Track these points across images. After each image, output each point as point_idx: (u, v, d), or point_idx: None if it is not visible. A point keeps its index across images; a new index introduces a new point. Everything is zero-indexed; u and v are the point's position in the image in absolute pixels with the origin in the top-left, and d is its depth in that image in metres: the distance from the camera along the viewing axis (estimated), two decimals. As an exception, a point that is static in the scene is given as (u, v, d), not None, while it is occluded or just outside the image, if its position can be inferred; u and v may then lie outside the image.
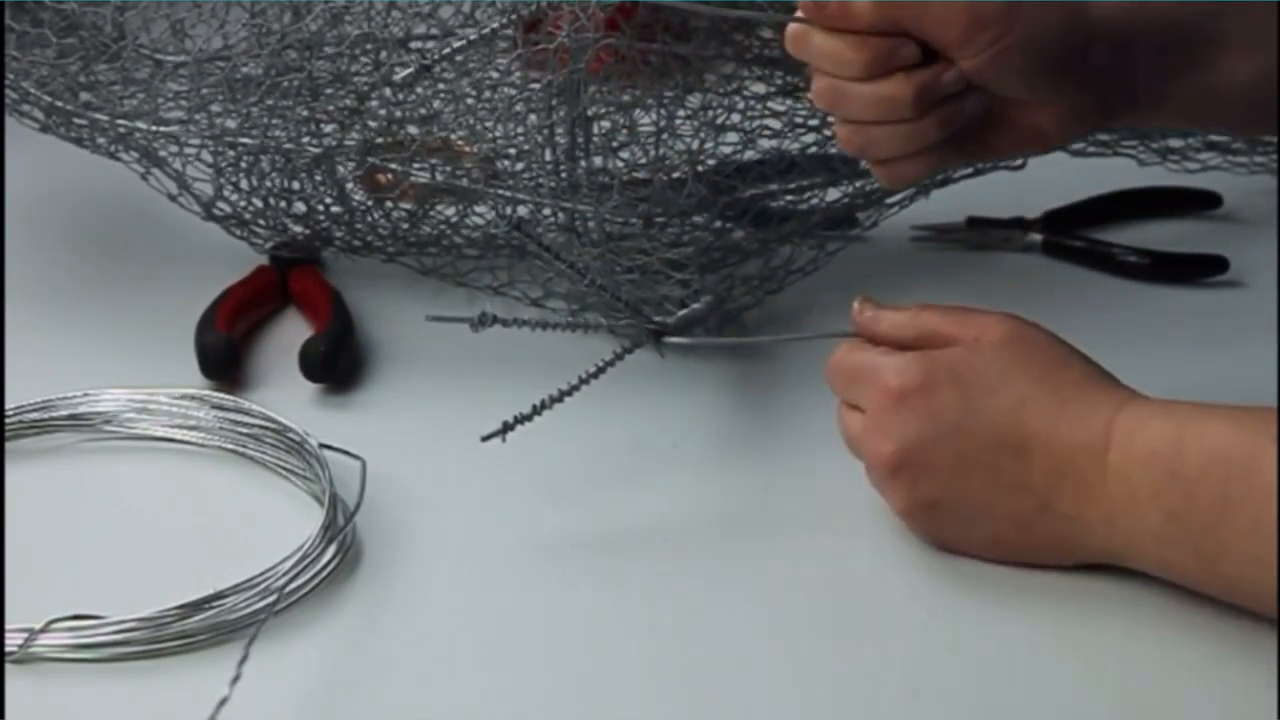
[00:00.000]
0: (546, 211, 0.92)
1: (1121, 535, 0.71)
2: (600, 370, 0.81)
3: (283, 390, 0.89)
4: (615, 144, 0.90)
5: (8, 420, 0.84)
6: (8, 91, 0.95)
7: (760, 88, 0.95)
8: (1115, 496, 0.70)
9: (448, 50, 0.91)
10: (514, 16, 0.91)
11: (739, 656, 0.71)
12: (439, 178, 0.93)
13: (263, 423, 0.83)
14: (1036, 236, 1.06)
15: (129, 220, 1.08)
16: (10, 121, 0.98)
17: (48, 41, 0.92)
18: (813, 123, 0.97)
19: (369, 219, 0.98)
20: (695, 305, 0.89)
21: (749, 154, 0.95)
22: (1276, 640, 0.69)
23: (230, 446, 0.83)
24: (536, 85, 0.89)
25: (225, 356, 0.89)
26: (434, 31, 0.92)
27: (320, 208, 0.97)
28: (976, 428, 0.73)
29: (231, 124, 0.92)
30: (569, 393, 0.79)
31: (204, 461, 0.83)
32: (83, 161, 0.99)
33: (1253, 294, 1.00)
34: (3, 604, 0.70)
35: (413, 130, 0.92)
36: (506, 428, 0.77)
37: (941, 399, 0.73)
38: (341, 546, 0.75)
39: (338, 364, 0.90)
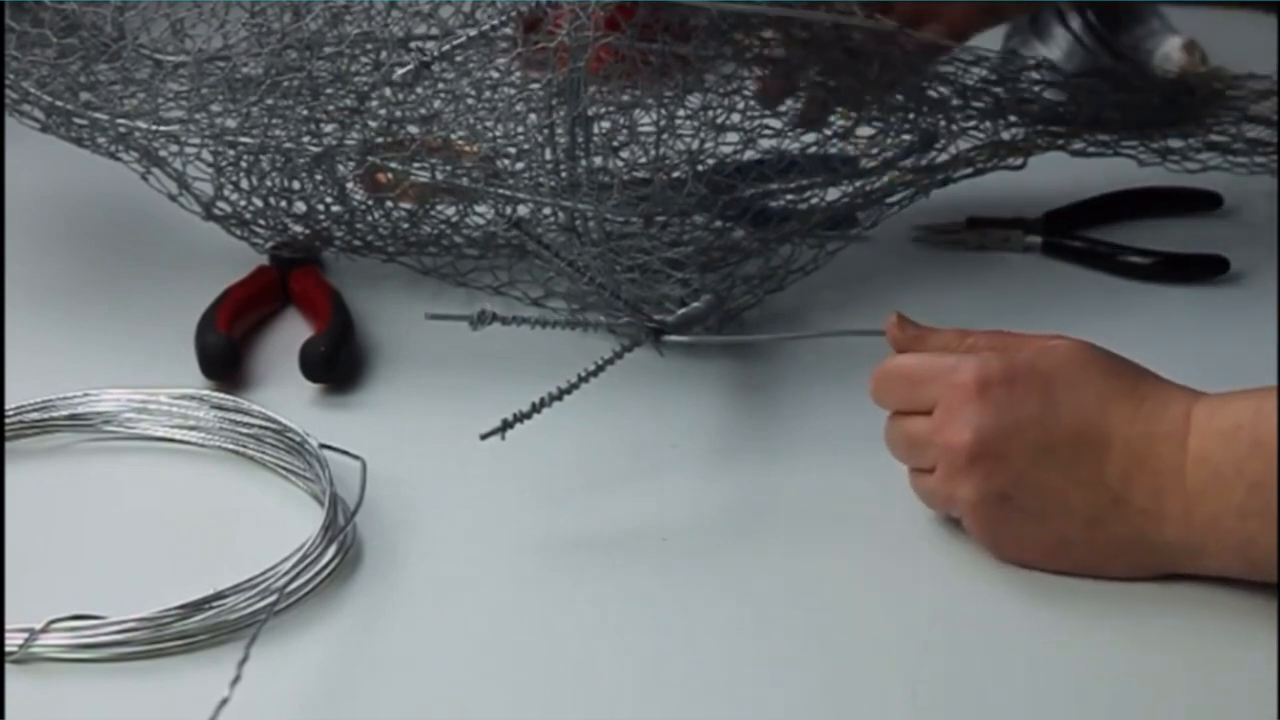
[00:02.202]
0: (546, 211, 0.92)
1: (1200, 522, 0.71)
2: (599, 368, 0.81)
3: (283, 390, 0.89)
4: (615, 144, 0.90)
5: (8, 420, 0.84)
6: (8, 91, 0.95)
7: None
8: (1195, 481, 0.71)
9: (447, 47, 0.91)
10: (514, 12, 0.91)
11: (738, 656, 0.71)
12: (439, 177, 0.93)
13: (263, 423, 0.83)
14: (1036, 237, 1.06)
15: (129, 220, 1.08)
16: (10, 121, 0.98)
17: (48, 41, 0.92)
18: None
19: (369, 219, 0.98)
20: (695, 304, 0.89)
21: (749, 154, 0.95)
22: (1277, 635, 0.70)
23: (230, 447, 0.83)
24: (537, 85, 0.89)
25: (226, 357, 0.89)
26: (434, 31, 0.91)
27: (320, 207, 0.97)
28: (1057, 420, 0.73)
29: (232, 124, 0.92)
30: (568, 390, 0.79)
31: (204, 461, 0.83)
32: (83, 162, 0.99)
33: (1253, 294, 1.00)
34: (3, 604, 0.70)
35: (413, 130, 0.92)
36: (506, 425, 0.77)
37: (1022, 390, 0.73)
38: (341, 546, 0.75)
39: (338, 364, 0.90)
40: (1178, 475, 0.71)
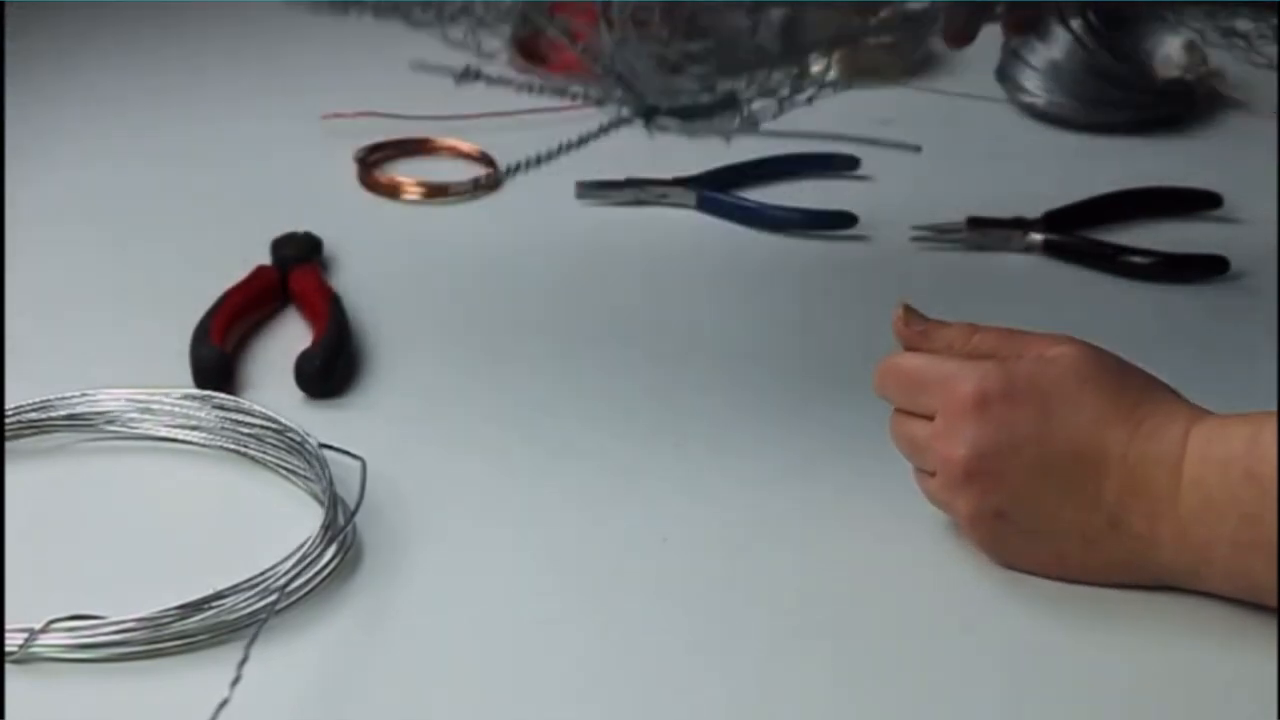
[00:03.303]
0: None
1: (1193, 547, 0.70)
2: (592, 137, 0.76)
3: (283, 390, 0.89)
4: None
5: (7, 420, 0.83)
6: None
7: None
8: (1189, 507, 0.70)
9: None
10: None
11: (738, 656, 0.71)
12: None
13: (263, 423, 0.83)
14: (1037, 236, 1.05)
15: (129, 220, 1.07)
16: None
17: None
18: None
19: None
20: (705, 97, 0.82)
21: None
22: (1278, 638, 0.70)
23: (231, 446, 0.83)
24: None
25: (218, 371, 0.88)
26: None
27: None
28: (1055, 439, 0.72)
29: None
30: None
31: (205, 461, 0.83)
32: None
33: (1253, 294, 1.00)
34: (3, 604, 0.70)
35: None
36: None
37: (1021, 407, 0.72)
38: (341, 546, 0.75)
39: (332, 378, 0.89)
40: (1172, 500, 0.70)
